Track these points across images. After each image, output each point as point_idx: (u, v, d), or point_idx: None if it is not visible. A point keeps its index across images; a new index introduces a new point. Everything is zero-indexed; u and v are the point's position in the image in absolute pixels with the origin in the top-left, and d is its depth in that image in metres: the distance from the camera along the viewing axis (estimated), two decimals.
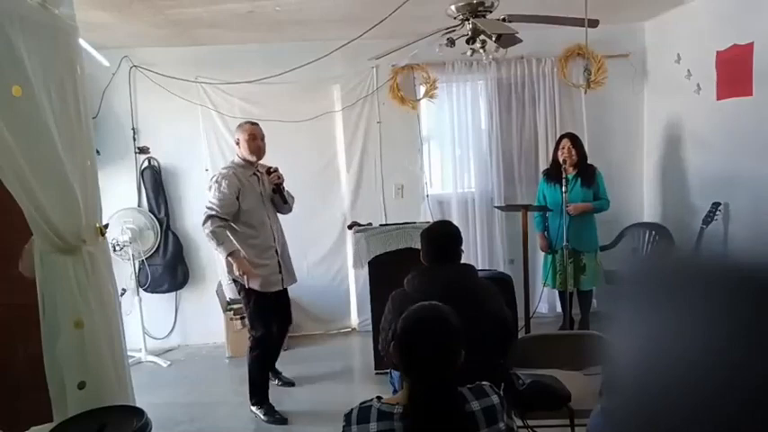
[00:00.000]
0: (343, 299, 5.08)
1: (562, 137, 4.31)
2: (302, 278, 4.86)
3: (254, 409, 3.62)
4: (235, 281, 3.67)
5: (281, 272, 3.64)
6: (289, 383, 4.01)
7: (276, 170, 3.70)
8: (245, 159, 3.60)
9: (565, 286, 4.20)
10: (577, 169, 4.19)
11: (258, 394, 3.63)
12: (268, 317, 3.62)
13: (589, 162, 4.27)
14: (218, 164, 4.82)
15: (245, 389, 3.72)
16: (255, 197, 3.57)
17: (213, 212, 3.41)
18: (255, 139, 3.58)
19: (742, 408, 0.36)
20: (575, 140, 4.22)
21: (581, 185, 4.17)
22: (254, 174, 3.62)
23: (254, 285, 3.51)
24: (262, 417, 3.59)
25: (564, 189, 3.97)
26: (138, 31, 4.17)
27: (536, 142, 4.95)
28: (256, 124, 3.66)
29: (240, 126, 3.66)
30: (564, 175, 4.00)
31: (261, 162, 3.71)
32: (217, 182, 3.48)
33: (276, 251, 3.62)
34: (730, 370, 0.37)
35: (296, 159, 4.54)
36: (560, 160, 4.14)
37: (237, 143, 3.62)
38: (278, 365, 4.08)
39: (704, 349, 0.39)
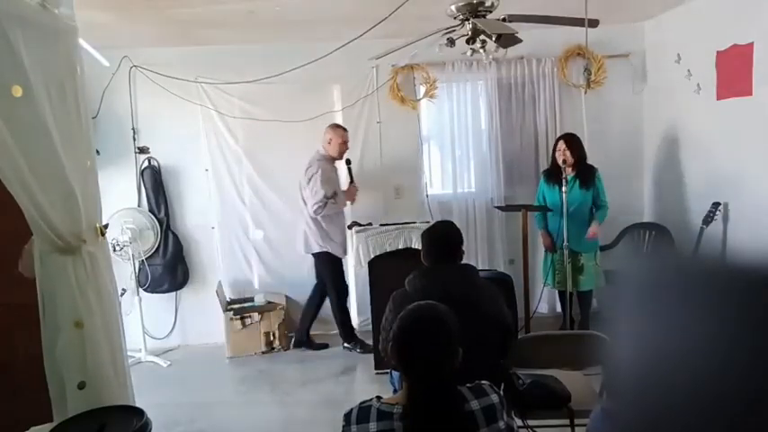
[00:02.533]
0: None
1: (558, 139, 4.29)
2: (302, 278, 4.88)
3: (347, 345, 4.54)
4: (315, 254, 4.47)
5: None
6: (322, 346, 4.65)
7: (350, 162, 4.54)
8: (330, 156, 4.36)
9: (564, 286, 4.21)
10: (576, 170, 4.19)
11: (349, 334, 4.53)
12: (342, 275, 4.56)
13: (589, 162, 4.26)
14: (217, 164, 4.86)
15: (244, 389, 3.90)
16: (339, 185, 4.43)
17: (325, 199, 4.21)
18: (345, 143, 4.40)
19: (747, 409, 0.36)
20: (570, 141, 4.20)
21: (579, 187, 4.16)
22: (334, 167, 4.42)
23: (338, 253, 4.43)
24: (357, 351, 4.46)
25: (564, 189, 3.97)
26: (138, 31, 4.16)
27: (536, 142, 4.94)
28: (347, 130, 4.43)
29: (337, 129, 4.37)
30: (564, 176, 4.00)
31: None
32: (321, 180, 4.18)
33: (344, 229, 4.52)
34: (734, 372, 0.37)
35: (296, 159, 4.53)
36: (558, 162, 4.15)
37: (329, 142, 4.33)
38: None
39: (707, 352, 0.39)
